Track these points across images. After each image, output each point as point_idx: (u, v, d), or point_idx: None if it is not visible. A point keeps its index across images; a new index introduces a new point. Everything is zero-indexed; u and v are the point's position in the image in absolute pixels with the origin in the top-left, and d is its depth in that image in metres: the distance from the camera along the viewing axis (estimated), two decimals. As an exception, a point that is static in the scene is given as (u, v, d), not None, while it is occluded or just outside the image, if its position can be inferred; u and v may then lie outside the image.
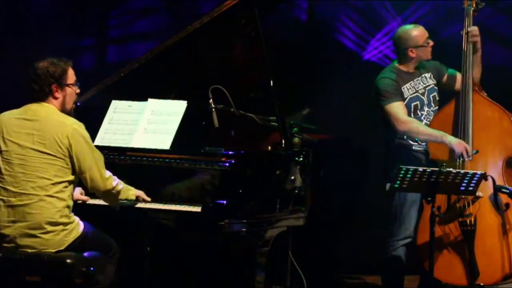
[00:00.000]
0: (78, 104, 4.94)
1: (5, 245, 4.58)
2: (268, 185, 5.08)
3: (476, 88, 5.83)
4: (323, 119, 6.56)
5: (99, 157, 4.69)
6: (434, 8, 7.15)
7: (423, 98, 5.93)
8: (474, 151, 5.67)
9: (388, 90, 5.83)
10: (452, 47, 6.23)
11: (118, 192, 4.78)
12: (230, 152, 4.99)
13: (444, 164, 5.32)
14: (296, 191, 5.18)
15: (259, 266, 5.06)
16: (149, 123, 5.28)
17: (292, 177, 5.16)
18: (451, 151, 5.67)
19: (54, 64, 4.66)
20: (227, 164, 4.94)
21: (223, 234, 4.95)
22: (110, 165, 4.81)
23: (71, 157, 4.60)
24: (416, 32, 5.88)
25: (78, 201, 4.88)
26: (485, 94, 5.86)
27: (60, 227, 4.57)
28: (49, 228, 4.54)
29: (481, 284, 5.59)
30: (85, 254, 4.61)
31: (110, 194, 4.76)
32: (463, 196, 5.60)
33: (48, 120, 4.62)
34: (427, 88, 5.96)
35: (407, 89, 5.90)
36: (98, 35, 7.67)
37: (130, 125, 5.31)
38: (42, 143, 4.58)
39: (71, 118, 4.67)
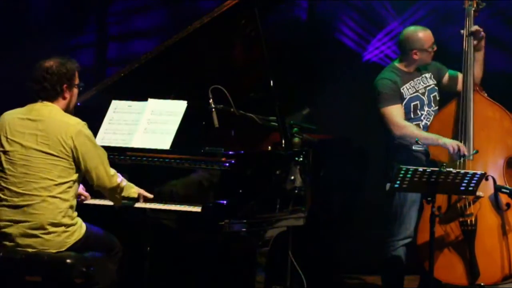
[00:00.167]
0: (78, 104, 4.94)
1: (6, 243, 4.57)
2: (268, 185, 5.08)
3: (477, 88, 5.83)
4: (323, 119, 6.55)
5: (104, 154, 4.70)
6: (434, 8, 7.14)
7: (423, 98, 5.93)
8: (474, 151, 5.67)
9: (386, 93, 5.83)
10: (452, 47, 6.23)
11: (122, 189, 4.80)
12: (230, 152, 4.99)
13: (444, 164, 5.32)
14: (296, 191, 5.18)
15: (259, 266, 5.06)
16: (149, 123, 5.27)
17: (292, 177, 5.16)
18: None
19: (64, 64, 4.67)
20: (227, 164, 4.94)
21: (223, 234, 4.95)
22: (110, 165, 4.80)
23: (75, 158, 4.60)
24: (424, 35, 5.87)
25: (79, 198, 4.88)
26: (486, 94, 5.86)
27: (62, 228, 4.57)
28: (51, 229, 4.54)
29: (482, 284, 5.59)
30: (86, 254, 4.61)
31: (116, 191, 4.77)
32: (464, 196, 5.60)
33: (52, 120, 4.62)
34: (427, 88, 5.96)
35: (407, 89, 5.90)
36: (97, 33, 7.67)
37: (130, 125, 5.31)
38: (46, 144, 4.58)
39: (74, 118, 4.67)
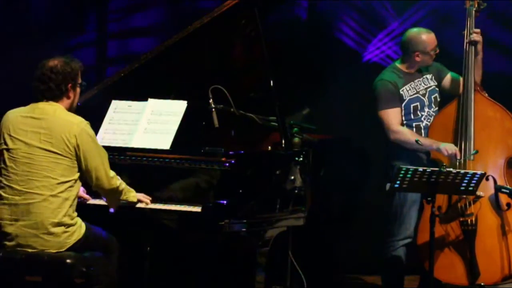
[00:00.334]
0: (79, 104, 4.94)
1: (6, 243, 4.58)
2: (268, 185, 5.08)
3: (478, 88, 5.83)
4: (323, 119, 6.55)
5: (105, 156, 4.70)
6: (435, 8, 7.14)
7: (424, 99, 5.92)
8: (474, 151, 5.67)
9: (384, 95, 5.83)
10: (453, 47, 6.22)
11: (121, 192, 4.80)
12: (230, 152, 4.99)
13: (444, 164, 5.32)
14: (296, 191, 5.18)
15: (259, 266, 5.06)
16: (149, 123, 5.27)
17: (292, 177, 5.16)
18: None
19: (69, 63, 4.69)
20: (227, 164, 4.94)
21: (223, 234, 4.95)
22: (110, 165, 4.80)
23: (77, 156, 4.61)
24: (427, 38, 5.85)
25: (79, 199, 4.88)
26: (486, 94, 5.86)
27: (62, 228, 4.57)
28: (51, 229, 4.54)
29: (482, 284, 5.59)
30: (85, 254, 4.61)
31: (114, 193, 4.77)
32: (464, 196, 5.60)
33: (56, 119, 4.62)
34: (428, 89, 5.96)
35: (407, 90, 5.90)
36: (97, 31, 7.66)
37: (130, 125, 5.31)
38: (49, 142, 4.59)
39: (78, 117, 4.68)
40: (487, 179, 5.58)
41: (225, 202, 4.83)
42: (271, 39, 5.42)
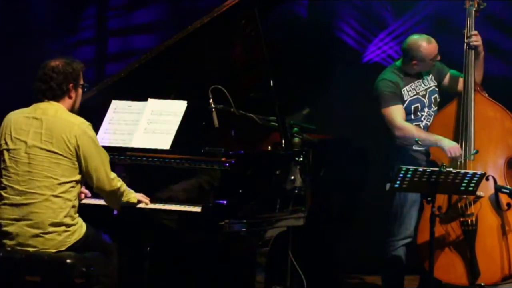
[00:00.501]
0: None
1: (6, 242, 4.58)
2: (268, 185, 5.08)
3: (478, 88, 5.83)
4: (323, 119, 6.55)
5: (106, 157, 4.70)
6: (435, 9, 7.13)
7: (424, 100, 5.92)
8: (474, 151, 5.67)
9: (387, 93, 5.83)
10: (454, 47, 6.22)
11: (122, 194, 4.80)
12: (230, 152, 4.99)
13: (444, 164, 5.32)
14: (296, 191, 5.18)
15: (259, 266, 5.06)
16: (149, 123, 5.27)
17: (292, 177, 5.16)
18: (452, 151, 5.69)
19: (70, 64, 4.70)
20: (227, 164, 4.94)
21: (223, 234, 4.95)
22: (110, 165, 4.80)
23: (78, 157, 4.61)
24: (427, 47, 5.81)
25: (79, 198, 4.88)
26: (487, 94, 5.86)
27: (63, 228, 4.57)
28: (52, 228, 4.54)
29: (482, 284, 5.59)
30: (86, 254, 4.61)
31: (114, 195, 4.77)
32: (464, 196, 5.60)
33: (57, 119, 4.63)
34: (428, 90, 5.96)
35: (407, 91, 5.90)
36: (97, 28, 7.66)
37: (130, 125, 5.30)
38: (50, 142, 4.59)
39: (79, 118, 4.69)
40: (487, 179, 5.58)
41: (225, 202, 4.83)
42: (271, 39, 5.42)
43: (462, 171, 5.23)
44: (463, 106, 5.75)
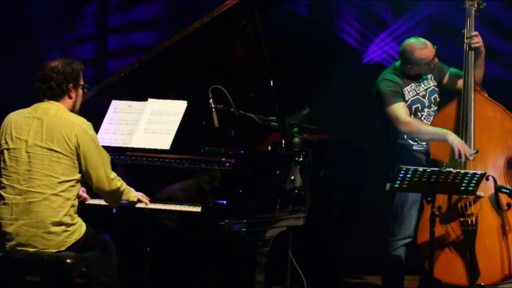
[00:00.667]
0: (79, 104, 4.96)
1: (6, 242, 4.58)
2: (268, 185, 5.07)
3: (478, 88, 5.82)
4: (323, 119, 6.55)
5: (106, 157, 4.71)
6: (435, 9, 7.13)
7: (424, 100, 5.92)
8: (474, 151, 5.66)
9: (389, 92, 5.82)
10: (453, 47, 6.22)
11: (122, 193, 4.81)
12: (230, 152, 4.99)
13: (444, 164, 5.32)
14: (296, 191, 5.17)
15: (259, 266, 5.06)
16: (149, 123, 5.27)
17: (292, 177, 5.16)
18: (452, 151, 5.66)
19: (70, 64, 4.73)
20: (227, 164, 4.94)
21: (223, 234, 4.95)
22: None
23: (78, 156, 4.62)
24: (422, 53, 5.78)
25: (79, 199, 4.88)
26: (486, 94, 5.85)
27: (63, 227, 4.57)
28: (52, 228, 4.55)
29: (482, 284, 5.58)
30: (85, 254, 4.61)
31: (114, 195, 4.77)
32: (464, 196, 5.60)
33: (58, 118, 4.64)
34: (428, 90, 5.95)
35: (408, 92, 5.90)
36: (97, 24, 7.66)
37: (130, 125, 5.31)
38: (50, 140, 4.60)
39: (80, 118, 4.70)
40: (487, 179, 5.58)
41: (225, 202, 4.83)
42: (271, 39, 5.42)
43: (462, 171, 5.23)
44: (463, 106, 5.75)
